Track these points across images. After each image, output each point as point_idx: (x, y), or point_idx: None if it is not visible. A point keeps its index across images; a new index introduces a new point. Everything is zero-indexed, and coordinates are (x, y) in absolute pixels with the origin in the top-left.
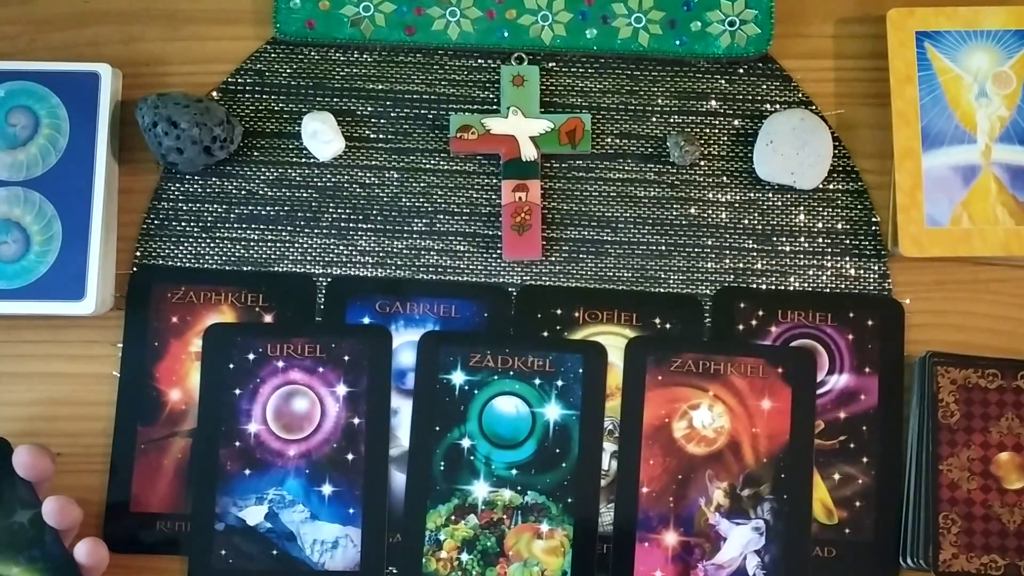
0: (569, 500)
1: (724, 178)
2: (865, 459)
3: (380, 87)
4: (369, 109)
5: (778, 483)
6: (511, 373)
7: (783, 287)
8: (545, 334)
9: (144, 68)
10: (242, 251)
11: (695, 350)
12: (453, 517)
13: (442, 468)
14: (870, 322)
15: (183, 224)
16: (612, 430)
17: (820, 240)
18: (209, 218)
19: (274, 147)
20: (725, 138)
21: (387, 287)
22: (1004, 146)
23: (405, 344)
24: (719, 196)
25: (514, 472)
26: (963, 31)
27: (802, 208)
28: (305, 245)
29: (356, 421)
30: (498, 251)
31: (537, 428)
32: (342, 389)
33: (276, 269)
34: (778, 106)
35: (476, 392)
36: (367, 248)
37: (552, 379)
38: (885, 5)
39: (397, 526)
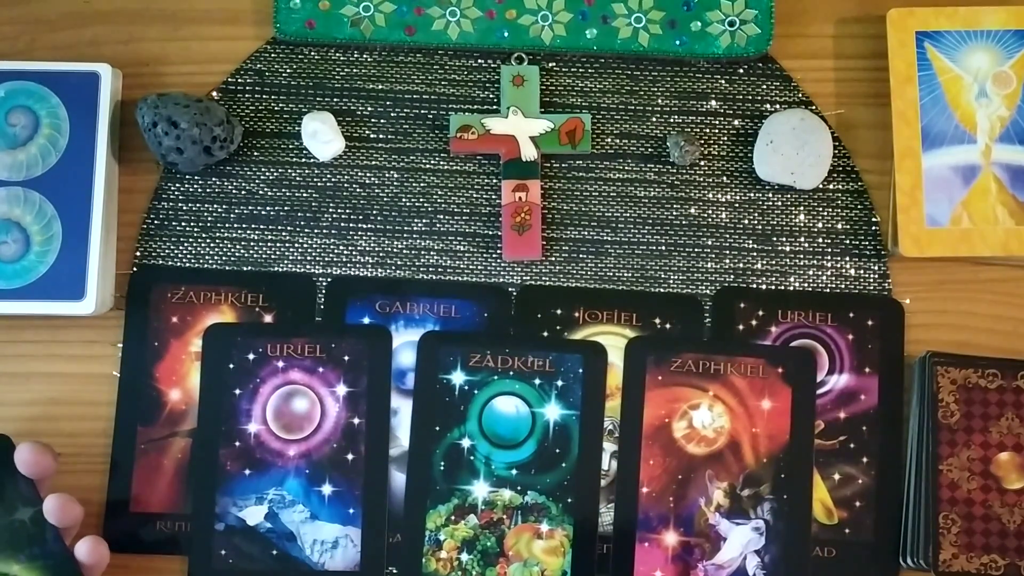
0: (569, 500)
1: (724, 178)
2: (865, 459)
3: (380, 87)
4: (369, 109)
5: (778, 483)
6: (511, 373)
7: (783, 287)
8: (545, 334)
9: (144, 68)
10: (242, 251)
11: (695, 350)
12: (453, 517)
13: (442, 468)
14: (870, 322)
15: (183, 224)
16: (612, 430)
17: (820, 240)
18: (209, 218)
19: (274, 147)
20: (725, 138)
21: (387, 287)
22: (1004, 146)
23: (405, 344)
24: (719, 196)
25: (514, 472)
26: (963, 31)
27: (802, 208)
28: (305, 245)
29: (356, 421)
30: (498, 251)
31: (537, 428)
32: (342, 389)
33: (276, 269)
34: (778, 106)
35: (476, 392)
36: (367, 248)
37: (552, 379)
38: (885, 5)
39: (397, 526)
